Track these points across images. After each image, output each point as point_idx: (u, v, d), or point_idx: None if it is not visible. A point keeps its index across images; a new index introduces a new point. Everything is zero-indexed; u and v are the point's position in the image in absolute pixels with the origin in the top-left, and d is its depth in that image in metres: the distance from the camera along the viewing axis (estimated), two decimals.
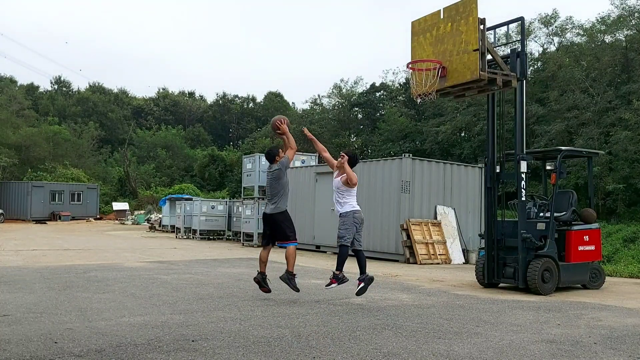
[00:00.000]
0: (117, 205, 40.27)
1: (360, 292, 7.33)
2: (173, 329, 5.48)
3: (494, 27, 9.54)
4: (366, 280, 7.35)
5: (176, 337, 5.12)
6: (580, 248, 9.35)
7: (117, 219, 38.03)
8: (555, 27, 37.13)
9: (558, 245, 9.09)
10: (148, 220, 32.13)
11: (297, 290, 7.45)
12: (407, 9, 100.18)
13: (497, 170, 9.39)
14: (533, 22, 37.21)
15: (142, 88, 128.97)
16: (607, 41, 33.74)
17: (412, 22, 9.48)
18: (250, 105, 71.30)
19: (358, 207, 7.55)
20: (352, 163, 7.57)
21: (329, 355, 4.65)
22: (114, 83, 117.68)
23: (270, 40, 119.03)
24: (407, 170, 14.61)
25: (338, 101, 53.33)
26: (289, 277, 7.43)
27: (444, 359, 4.65)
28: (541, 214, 9.43)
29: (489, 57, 8.80)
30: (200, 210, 22.79)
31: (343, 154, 7.60)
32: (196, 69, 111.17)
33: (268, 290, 7.54)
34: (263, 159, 19.96)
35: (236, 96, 72.09)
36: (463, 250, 15.17)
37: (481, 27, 8.50)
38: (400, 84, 49.71)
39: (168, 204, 27.78)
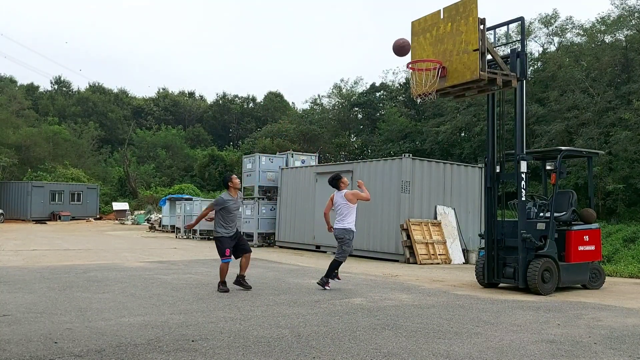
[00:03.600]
0: (117, 205, 40.25)
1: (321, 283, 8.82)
2: (173, 329, 5.48)
3: (494, 27, 9.55)
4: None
5: (176, 337, 5.12)
6: (580, 248, 9.34)
7: (117, 219, 38.01)
8: (555, 27, 37.14)
9: (558, 245, 9.08)
10: (148, 220, 32.13)
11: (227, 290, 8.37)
12: (407, 9, 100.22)
13: (497, 170, 9.38)
14: (533, 22, 37.24)
15: (142, 88, 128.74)
16: (607, 41, 33.74)
17: (412, 22, 9.48)
18: (250, 105, 71.26)
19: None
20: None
21: (329, 355, 4.65)
22: (114, 83, 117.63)
23: (271, 40, 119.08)
24: (407, 170, 14.61)
25: (338, 101, 53.34)
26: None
27: (444, 359, 4.65)
28: (541, 214, 9.42)
29: (489, 57, 8.80)
30: (200, 210, 22.77)
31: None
32: (196, 69, 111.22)
33: (248, 288, 8.52)
34: (263, 158, 20.14)
35: (236, 96, 72.07)
36: (463, 250, 15.17)
37: (481, 27, 8.50)
38: (400, 84, 49.71)
39: (168, 204, 27.77)
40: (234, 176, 8.72)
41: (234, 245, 8.44)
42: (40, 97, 65.65)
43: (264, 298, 7.64)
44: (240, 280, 8.48)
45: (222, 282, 8.29)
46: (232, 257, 8.37)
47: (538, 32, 37.89)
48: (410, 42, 8.90)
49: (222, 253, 8.30)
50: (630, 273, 12.58)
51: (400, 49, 8.78)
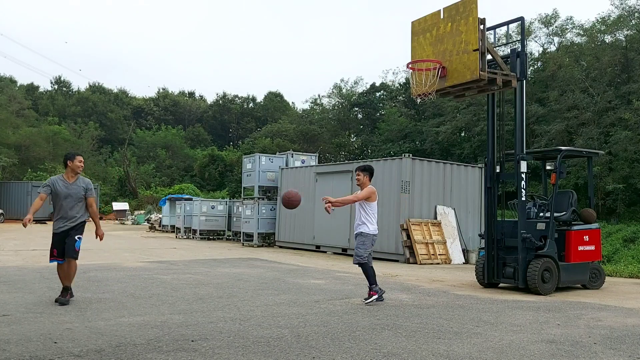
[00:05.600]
0: (117, 205, 40.25)
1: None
2: (173, 329, 5.48)
3: (494, 27, 9.55)
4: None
5: (176, 337, 5.11)
6: (580, 248, 9.34)
7: (117, 219, 38.03)
8: (556, 27, 37.15)
9: (558, 245, 9.08)
10: (148, 220, 32.14)
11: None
12: (407, 8, 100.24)
13: (497, 170, 9.38)
14: (533, 22, 37.26)
15: (142, 88, 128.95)
16: (607, 41, 33.74)
17: (412, 22, 9.48)
18: (250, 105, 71.32)
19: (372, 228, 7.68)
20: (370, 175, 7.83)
21: (329, 355, 4.64)
22: (114, 83, 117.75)
23: (270, 40, 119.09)
24: (407, 170, 14.60)
25: (338, 101, 53.38)
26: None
27: (443, 359, 4.64)
28: (541, 214, 9.42)
29: (489, 57, 8.79)
30: (200, 210, 22.80)
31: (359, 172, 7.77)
32: (196, 69, 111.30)
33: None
34: (263, 158, 20.11)
35: (236, 96, 72.14)
36: (463, 250, 15.17)
37: (481, 27, 8.49)
38: (400, 84, 49.74)
39: (168, 204, 27.79)
40: (80, 156, 7.05)
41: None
42: (40, 97, 65.72)
43: (264, 298, 7.63)
44: (59, 297, 6.77)
45: (64, 289, 6.87)
46: (61, 259, 6.92)
47: (538, 32, 37.94)
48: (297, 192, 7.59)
49: (50, 252, 6.97)
50: (630, 273, 12.58)
51: (288, 202, 7.44)
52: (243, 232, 20.05)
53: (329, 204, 7.37)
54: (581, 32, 36.06)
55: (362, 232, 7.52)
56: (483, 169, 11.11)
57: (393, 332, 5.58)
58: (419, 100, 9.14)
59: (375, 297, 7.36)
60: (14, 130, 44.24)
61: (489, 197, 9.46)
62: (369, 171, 7.77)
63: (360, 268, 7.56)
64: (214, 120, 69.13)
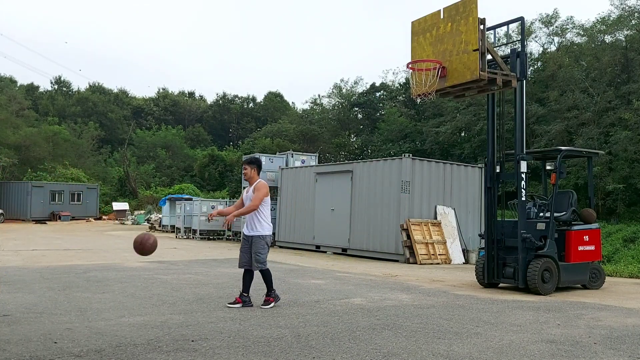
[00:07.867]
0: (117, 205, 40.22)
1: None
2: (173, 329, 5.48)
3: (494, 27, 9.55)
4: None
5: (176, 337, 5.11)
6: (580, 248, 9.34)
7: (117, 219, 37.99)
8: (556, 27, 37.14)
9: (558, 245, 9.08)
10: (148, 220, 32.13)
11: None
12: (407, 9, 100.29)
13: (497, 170, 9.38)
14: (534, 22, 37.24)
15: (142, 88, 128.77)
16: (607, 41, 33.73)
17: (412, 22, 9.48)
18: (250, 105, 71.31)
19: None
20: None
21: (329, 355, 4.64)
22: (114, 83, 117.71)
23: (271, 40, 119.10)
24: (407, 170, 14.61)
25: (338, 101, 53.37)
26: None
27: (443, 359, 4.64)
28: (541, 214, 9.42)
29: (489, 57, 8.80)
30: (200, 210, 22.82)
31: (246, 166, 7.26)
32: (196, 69, 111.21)
33: None
34: (263, 158, 20.07)
35: (236, 96, 72.12)
36: (463, 250, 15.17)
37: (481, 27, 8.50)
38: (400, 84, 49.72)
39: (168, 204, 27.78)
40: None
41: None
42: (40, 97, 65.67)
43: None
44: None
45: None
46: None
47: (538, 32, 37.91)
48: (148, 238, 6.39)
49: None
50: (630, 273, 12.59)
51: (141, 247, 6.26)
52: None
53: (231, 216, 7.19)
54: (581, 32, 36.04)
55: (260, 234, 7.20)
56: (483, 169, 11.12)
57: (393, 332, 5.58)
58: (419, 100, 9.15)
59: (273, 303, 6.94)
60: (14, 130, 44.21)
61: (489, 197, 9.46)
62: (256, 164, 7.29)
63: (261, 274, 7.10)
64: (214, 120, 69.10)
